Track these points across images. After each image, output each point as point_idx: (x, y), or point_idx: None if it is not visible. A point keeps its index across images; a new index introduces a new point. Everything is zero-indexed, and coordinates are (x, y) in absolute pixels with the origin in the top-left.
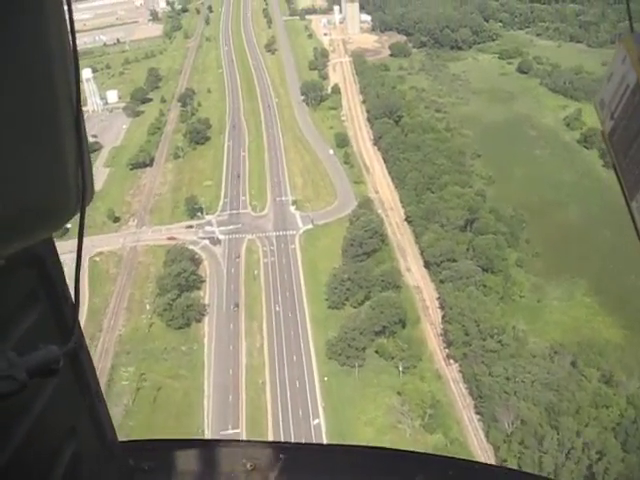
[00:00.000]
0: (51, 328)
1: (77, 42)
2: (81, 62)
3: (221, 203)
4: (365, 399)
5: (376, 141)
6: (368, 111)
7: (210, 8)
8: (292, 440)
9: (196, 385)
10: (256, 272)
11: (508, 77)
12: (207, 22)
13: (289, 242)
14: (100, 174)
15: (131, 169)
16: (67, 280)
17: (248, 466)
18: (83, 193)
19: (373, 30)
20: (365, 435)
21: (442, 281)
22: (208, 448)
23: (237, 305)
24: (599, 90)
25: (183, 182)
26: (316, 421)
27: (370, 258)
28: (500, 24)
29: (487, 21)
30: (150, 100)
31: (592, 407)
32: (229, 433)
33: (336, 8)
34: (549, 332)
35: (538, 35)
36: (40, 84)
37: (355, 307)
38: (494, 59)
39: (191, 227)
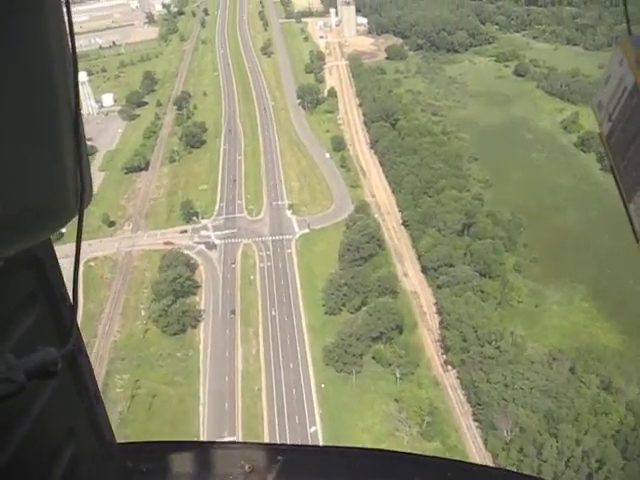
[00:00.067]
0: (49, 330)
1: None
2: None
3: (217, 207)
4: (362, 406)
5: (373, 145)
6: (364, 114)
7: (206, 11)
8: None
9: (192, 392)
10: (252, 277)
11: (505, 80)
12: (203, 25)
13: (285, 247)
14: (95, 178)
15: (126, 173)
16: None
17: (246, 468)
18: (82, 194)
19: (369, 33)
20: (362, 443)
21: (439, 286)
22: (206, 450)
23: (233, 312)
24: (596, 92)
25: (179, 186)
26: (313, 429)
27: (367, 263)
28: (496, 27)
29: (483, 24)
30: (146, 103)
31: (591, 414)
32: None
33: (332, 11)
34: (547, 337)
35: (535, 38)
36: (39, 84)
37: (352, 313)
38: (491, 62)
39: (185, 232)
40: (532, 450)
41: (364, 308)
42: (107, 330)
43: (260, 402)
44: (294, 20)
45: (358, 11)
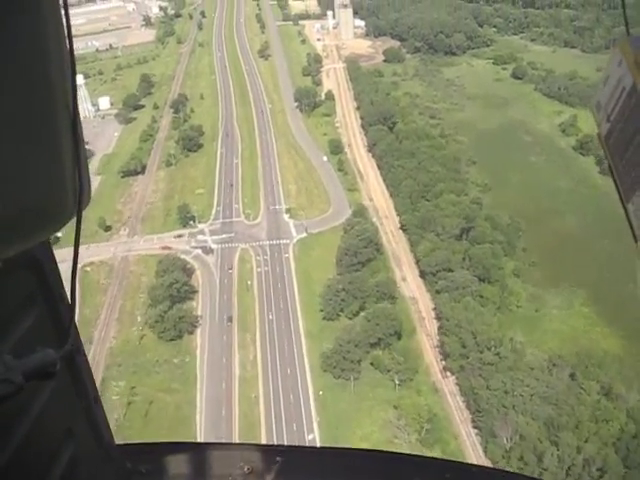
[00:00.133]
0: (48, 331)
1: None
2: None
3: (214, 211)
4: (361, 413)
5: (370, 148)
6: (362, 117)
7: (203, 13)
8: None
9: (188, 399)
10: (249, 282)
11: (503, 83)
12: (200, 27)
13: (283, 251)
14: (91, 182)
15: (122, 177)
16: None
17: (245, 469)
18: (80, 195)
19: (367, 35)
20: None
21: (438, 291)
22: (205, 451)
23: (230, 319)
24: (595, 93)
25: (175, 190)
26: (311, 436)
27: (365, 268)
28: (494, 29)
29: (481, 26)
30: (142, 106)
31: (592, 421)
32: None
33: (329, 13)
34: (547, 343)
35: (532, 40)
36: (38, 85)
37: (350, 318)
38: (488, 64)
39: (180, 236)
40: (532, 458)
41: (362, 313)
42: (103, 336)
43: (257, 409)
44: (291, 23)
45: (355, 14)
